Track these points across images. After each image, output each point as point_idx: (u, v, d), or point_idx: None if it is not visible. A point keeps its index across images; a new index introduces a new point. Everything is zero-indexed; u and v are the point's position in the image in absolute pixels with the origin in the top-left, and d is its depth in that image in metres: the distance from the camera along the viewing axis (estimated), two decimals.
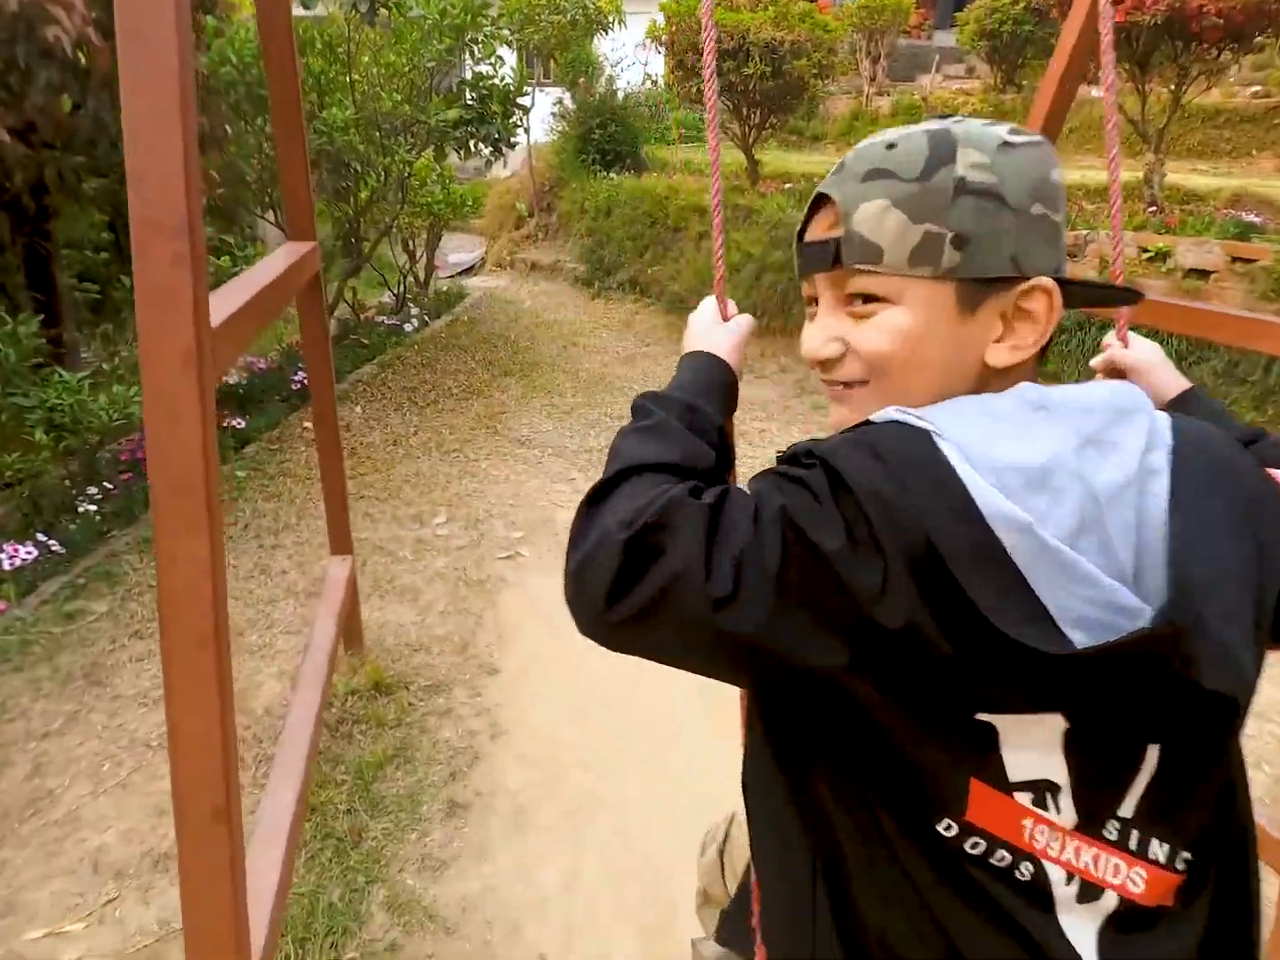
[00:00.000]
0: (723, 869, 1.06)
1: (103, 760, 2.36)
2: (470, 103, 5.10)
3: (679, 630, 0.58)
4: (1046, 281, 0.65)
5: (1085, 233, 5.20)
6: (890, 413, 0.62)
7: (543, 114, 10.22)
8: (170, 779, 1.01)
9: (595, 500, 0.64)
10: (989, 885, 0.60)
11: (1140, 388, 0.70)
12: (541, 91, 9.48)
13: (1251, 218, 5.09)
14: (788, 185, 7.89)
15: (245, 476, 4.14)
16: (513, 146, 5.38)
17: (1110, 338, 1.04)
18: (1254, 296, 4.57)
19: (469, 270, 10.81)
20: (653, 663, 0.64)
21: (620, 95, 10.58)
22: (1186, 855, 0.63)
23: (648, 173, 9.65)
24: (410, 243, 7.38)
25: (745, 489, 0.62)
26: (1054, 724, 0.58)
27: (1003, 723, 0.58)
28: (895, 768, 0.60)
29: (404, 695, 2.62)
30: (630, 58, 10.51)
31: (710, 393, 0.79)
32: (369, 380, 5.59)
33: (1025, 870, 0.60)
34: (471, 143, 5.25)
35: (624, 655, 0.64)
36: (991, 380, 0.67)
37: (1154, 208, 5.56)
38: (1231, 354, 4.45)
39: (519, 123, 5.33)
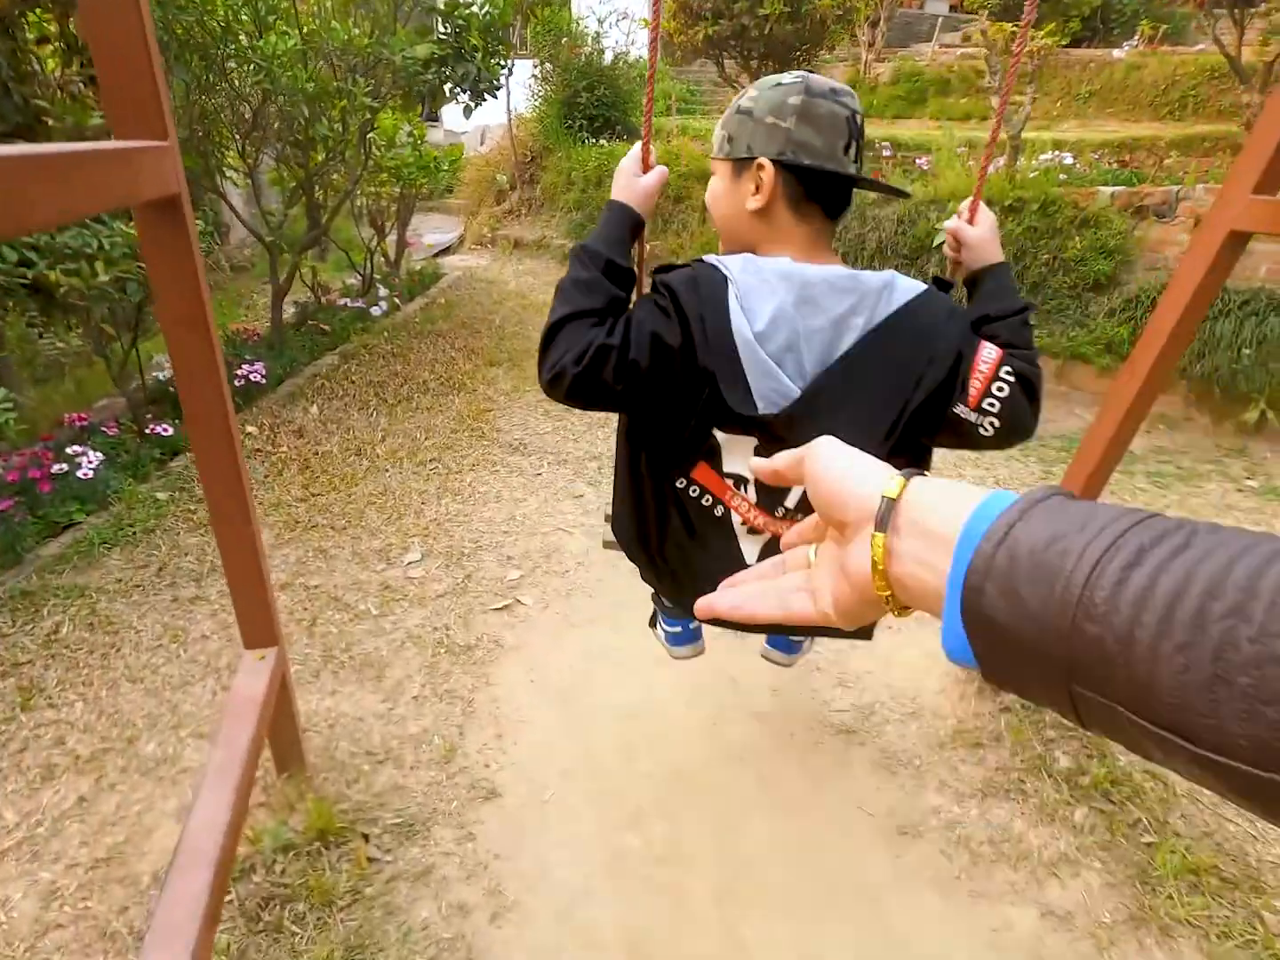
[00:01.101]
0: None
1: None
2: (443, 35, 4.20)
3: (608, 395, 1.06)
4: (763, 160, 1.10)
5: (1176, 188, 4.40)
6: (711, 258, 1.10)
7: (523, 78, 9.29)
8: None
9: (552, 333, 1.08)
10: (698, 511, 1.20)
11: (965, 252, 1.30)
12: (517, 61, 8.53)
13: None
14: None
15: (167, 499, 3.27)
16: (495, 93, 4.48)
17: (963, 206, 1.33)
18: None
19: (446, 251, 9.88)
20: None
21: (608, 55, 9.66)
22: None
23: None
24: (378, 217, 6.46)
25: (632, 316, 1.08)
26: (748, 442, 1.11)
27: (722, 436, 1.12)
28: (670, 450, 1.16)
29: (360, 850, 1.77)
30: (617, 12, 9.58)
31: (623, 243, 1.15)
32: (329, 374, 4.70)
33: (719, 510, 1.19)
34: (446, 87, 4.34)
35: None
36: (761, 230, 1.15)
37: None
38: None
39: (502, 62, 4.43)
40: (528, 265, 7.99)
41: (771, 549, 1.20)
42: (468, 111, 4.34)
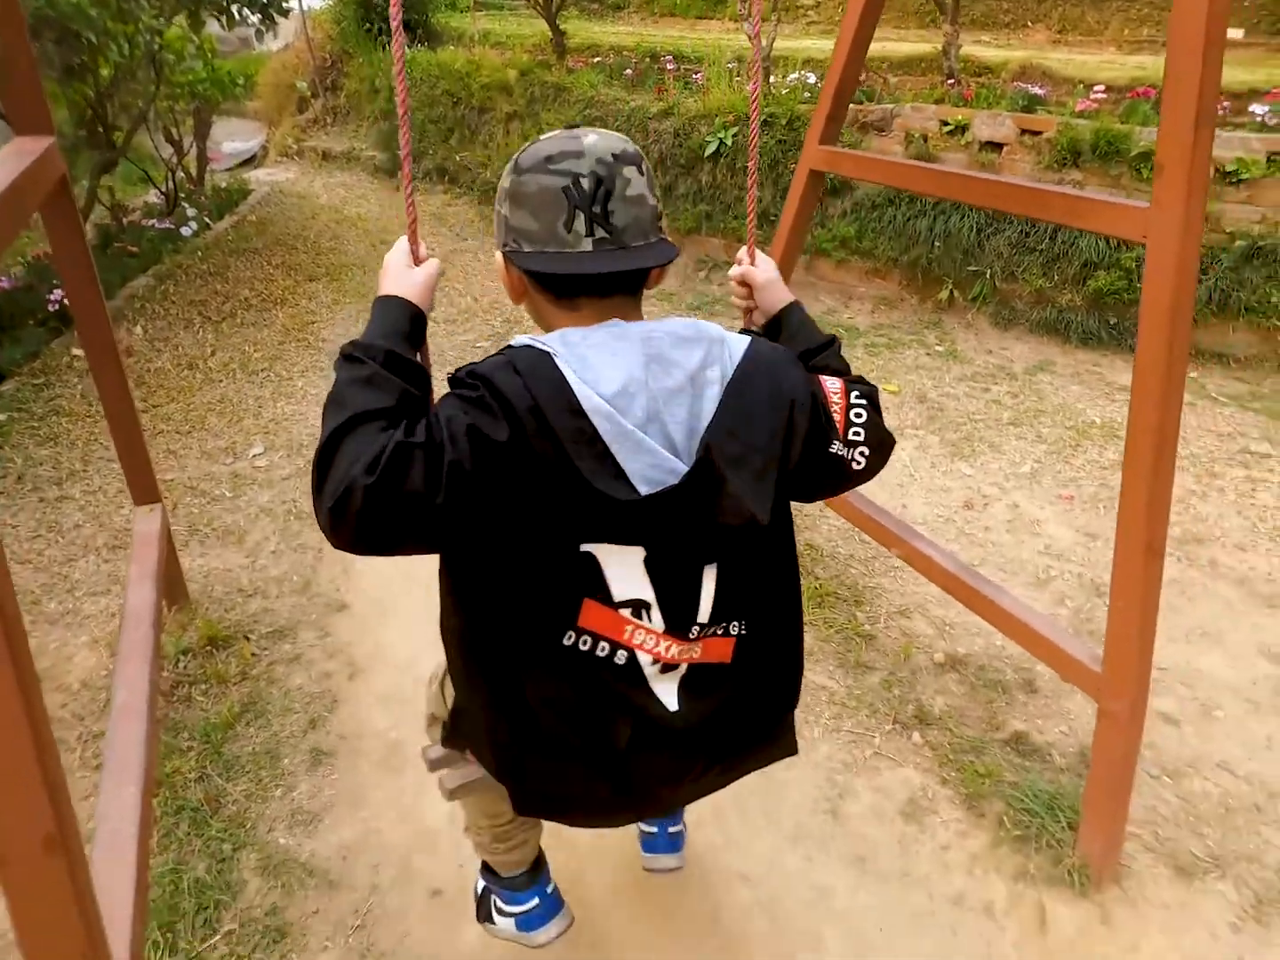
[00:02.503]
0: (444, 696, 1.29)
1: None
2: None
3: (421, 512, 0.82)
4: (498, 255, 1.02)
5: (891, 106, 5.30)
6: (523, 339, 0.93)
7: None
8: None
9: (332, 444, 0.85)
10: (594, 670, 0.95)
11: (758, 295, 1.24)
12: None
13: (1036, 90, 5.36)
14: (596, 59, 7.48)
15: (7, 420, 3.57)
16: (285, 13, 4.68)
17: (741, 254, 1.29)
18: (1040, 167, 4.87)
19: (249, 161, 9.63)
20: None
21: None
22: (740, 627, 1.01)
23: (443, 45, 8.83)
24: (174, 131, 6.40)
25: (438, 414, 0.86)
26: (637, 554, 0.92)
27: (600, 551, 0.91)
28: (531, 596, 0.93)
29: (244, 647, 2.41)
30: None
31: (404, 336, 0.99)
32: (146, 295, 4.91)
33: (621, 656, 0.95)
34: (235, 8, 4.52)
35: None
36: (553, 326, 0.99)
37: (951, 80, 5.74)
38: (1023, 224, 4.76)
39: None
40: (339, 178, 8.07)
41: (695, 681, 0.99)
42: (259, 35, 4.54)
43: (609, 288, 0.96)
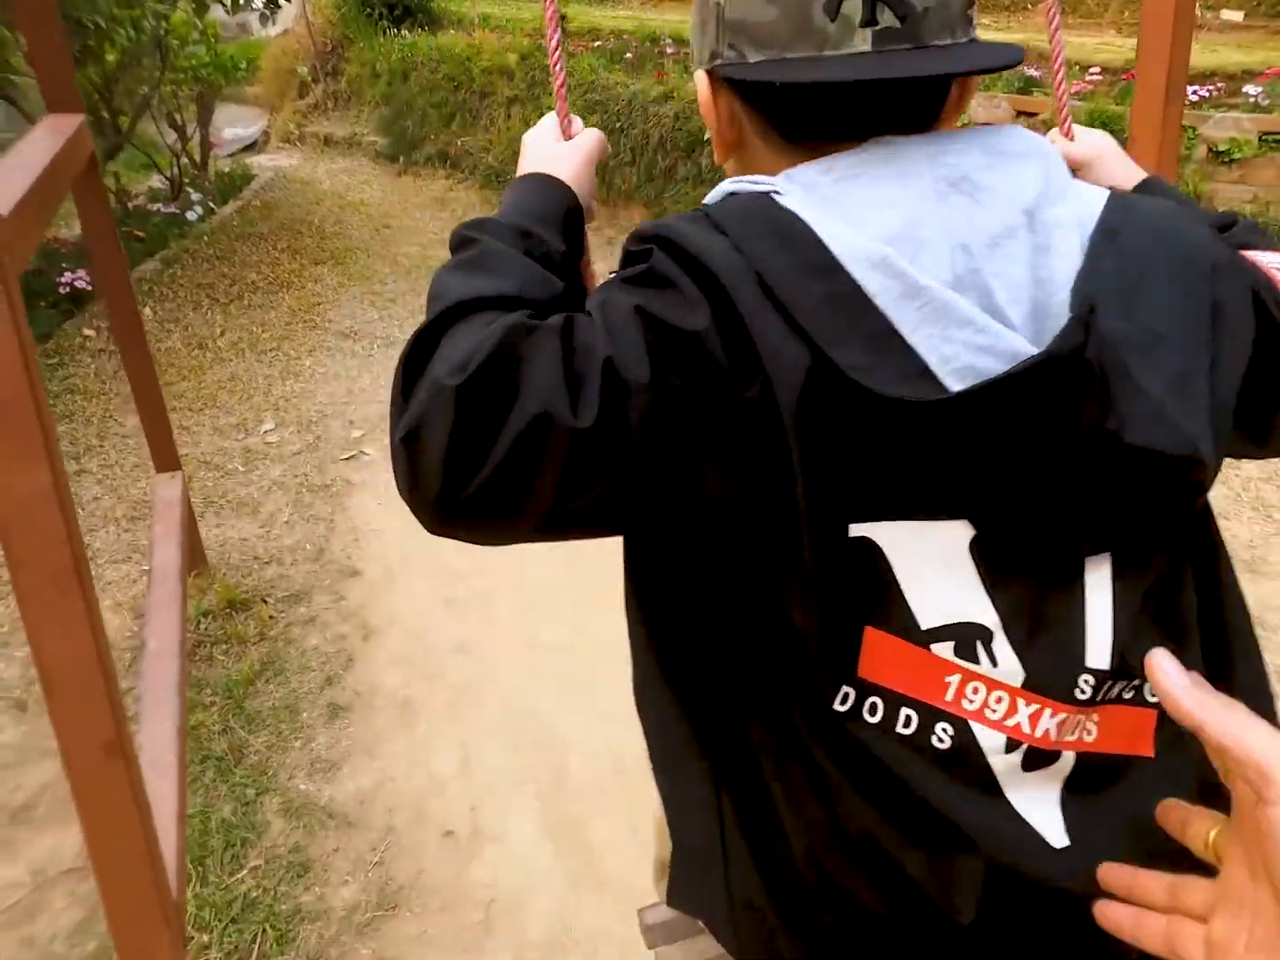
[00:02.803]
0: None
1: None
2: None
3: (541, 482, 0.47)
4: (700, 73, 0.61)
5: None
6: (725, 185, 0.57)
7: None
8: (52, 722, 0.94)
9: (417, 352, 0.51)
10: (893, 758, 0.49)
11: (1098, 176, 0.74)
12: None
13: (1031, 72, 5.42)
14: (596, 43, 7.52)
15: None
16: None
17: (1054, 134, 0.89)
18: None
19: (251, 147, 9.67)
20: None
21: None
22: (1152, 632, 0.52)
23: (443, 30, 8.87)
24: (178, 116, 6.46)
25: (589, 304, 0.52)
26: (955, 533, 0.49)
27: (886, 535, 0.48)
28: (777, 637, 0.51)
29: (262, 609, 2.51)
30: None
31: (546, 219, 0.64)
32: (154, 278, 4.99)
33: (943, 736, 0.49)
34: None
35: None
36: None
37: None
38: None
39: None
40: (341, 164, 8.12)
41: (1088, 787, 0.52)
42: (263, 20, 4.61)
43: (887, 117, 0.54)
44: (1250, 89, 4.87)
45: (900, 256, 0.48)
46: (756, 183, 0.55)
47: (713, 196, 0.57)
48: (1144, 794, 0.48)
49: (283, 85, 10.10)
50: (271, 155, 8.76)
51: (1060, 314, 0.49)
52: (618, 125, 5.99)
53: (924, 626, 0.50)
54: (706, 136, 4.72)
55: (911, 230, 0.49)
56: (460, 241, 0.60)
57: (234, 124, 10.04)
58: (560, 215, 0.65)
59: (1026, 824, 0.50)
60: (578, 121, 0.78)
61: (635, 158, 6.03)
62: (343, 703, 2.24)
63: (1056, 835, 0.50)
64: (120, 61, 4.87)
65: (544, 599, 2.66)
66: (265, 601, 2.55)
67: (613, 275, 0.54)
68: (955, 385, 0.46)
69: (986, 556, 0.49)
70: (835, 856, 0.53)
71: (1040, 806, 0.51)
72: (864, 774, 0.50)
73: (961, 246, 0.50)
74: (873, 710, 0.50)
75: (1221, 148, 4.39)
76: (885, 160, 0.52)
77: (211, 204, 6.35)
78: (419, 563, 2.82)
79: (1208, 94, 4.95)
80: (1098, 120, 4.69)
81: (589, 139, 0.75)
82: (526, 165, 0.73)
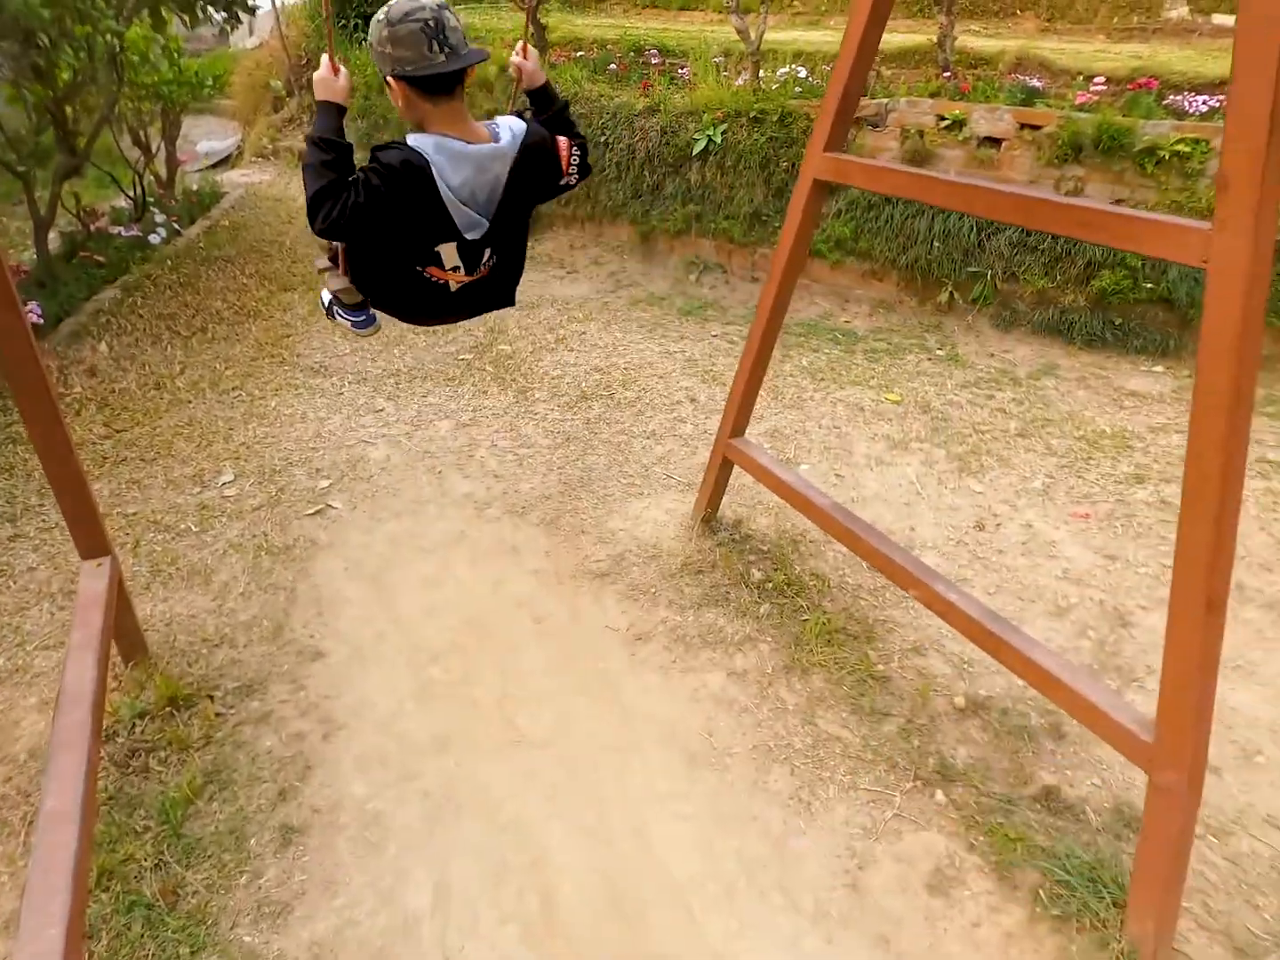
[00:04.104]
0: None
1: None
2: None
3: (345, 230, 1.65)
4: (388, 78, 1.70)
5: (885, 101, 5.11)
6: (414, 141, 1.68)
7: None
8: None
9: (314, 203, 1.61)
10: (427, 283, 1.85)
11: (526, 77, 1.95)
12: None
13: (1034, 82, 5.19)
14: (579, 53, 7.25)
15: None
16: (252, 11, 4.45)
17: (516, 51, 1.94)
18: (1041, 163, 4.70)
19: (224, 161, 9.35)
20: None
21: None
22: (492, 261, 1.91)
23: None
24: (142, 134, 6.15)
25: (358, 174, 1.63)
26: (454, 246, 1.80)
27: (442, 249, 1.80)
28: (412, 257, 1.81)
29: (208, 707, 2.21)
30: None
31: (339, 129, 1.70)
32: (113, 309, 4.67)
33: (440, 281, 1.86)
34: (198, 6, 4.28)
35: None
36: (420, 116, 1.73)
37: (948, 72, 5.56)
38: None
39: None
40: None
41: (468, 288, 1.92)
42: (224, 33, 4.31)
43: (454, 84, 1.70)
44: None
45: (457, 194, 1.74)
46: (422, 149, 1.67)
47: (410, 140, 1.70)
48: (481, 285, 1.97)
49: (257, 99, 9.79)
50: (244, 170, 8.44)
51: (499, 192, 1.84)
52: (603, 139, 5.72)
53: (446, 266, 1.86)
54: (696, 151, 4.61)
55: (464, 183, 1.74)
56: (314, 145, 1.66)
57: (209, 136, 9.72)
58: (338, 122, 1.72)
59: (450, 291, 1.93)
60: (339, 64, 1.76)
61: (621, 173, 5.76)
62: (297, 824, 1.94)
63: (453, 289, 1.95)
64: (74, 79, 4.55)
65: (531, 689, 2.38)
66: (211, 698, 2.25)
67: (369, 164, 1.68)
68: (466, 232, 1.80)
69: (461, 250, 1.84)
70: (407, 291, 1.91)
71: (454, 290, 1.93)
72: (419, 283, 1.87)
73: (475, 187, 1.77)
74: (429, 277, 1.87)
75: None
76: (459, 157, 1.72)
77: (177, 225, 6.03)
78: (391, 639, 2.53)
79: (1217, 104, 4.73)
80: (1106, 134, 4.47)
81: (345, 77, 1.74)
82: (320, 92, 1.72)
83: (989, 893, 1.82)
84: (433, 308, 1.96)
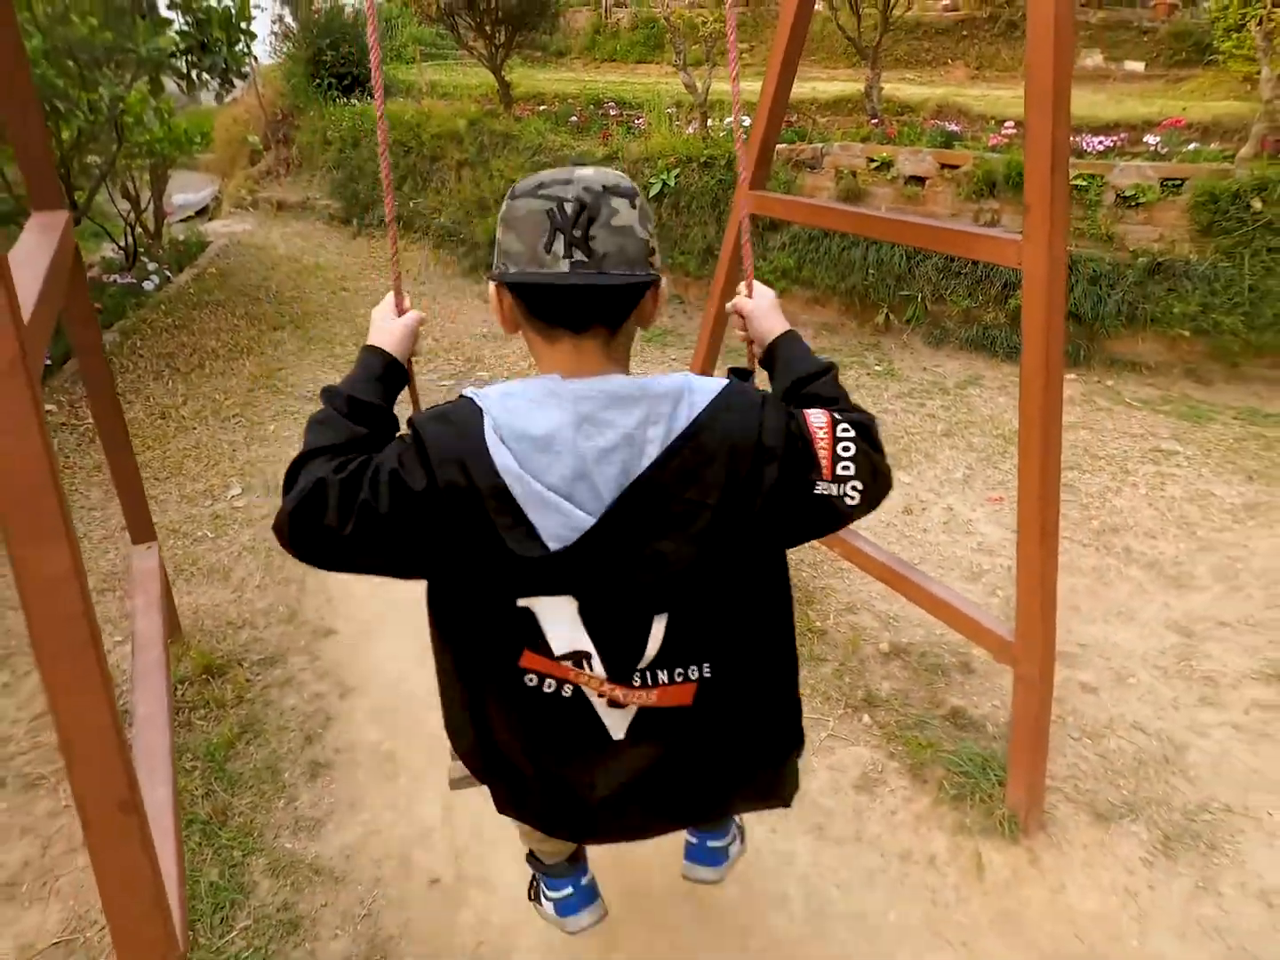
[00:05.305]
0: None
1: None
2: (185, 29, 4.57)
3: (333, 541, 0.94)
4: (489, 281, 1.05)
5: (821, 145, 5.67)
6: (470, 390, 0.99)
7: (262, 33, 9.26)
8: (70, 784, 1.02)
9: (290, 475, 0.99)
10: (544, 701, 1.03)
11: (750, 326, 1.33)
12: (257, 8, 8.55)
13: (952, 127, 5.79)
14: (542, 107, 7.81)
15: None
16: (244, 77, 4.90)
17: (741, 287, 1.41)
18: (960, 198, 5.25)
19: (202, 212, 9.76)
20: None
21: (348, 9, 9.80)
22: (701, 671, 1.04)
23: (391, 98, 9.11)
24: (131, 187, 6.55)
25: (381, 455, 0.97)
26: (570, 604, 0.97)
27: (537, 605, 0.97)
28: (484, 638, 1.02)
29: (238, 673, 2.56)
30: None
31: (373, 381, 1.13)
32: (114, 350, 5.02)
33: (567, 690, 1.03)
34: (195, 73, 4.72)
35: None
36: (534, 353, 1.04)
37: (875, 119, 6.15)
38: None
39: (246, 50, 4.86)
40: (295, 228, 8.25)
41: (645, 721, 1.04)
42: (219, 98, 4.76)
43: (585, 317, 0.97)
44: (1150, 138, 5.27)
45: (535, 469, 0.91)
46: (480, 396, 0.97)
47: (466, 391, 0.99)
48: (679, 724, 1.06)
49: (234, 152, 10.26)
50: (225, 221, 8.85)
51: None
52: None
53: (556, 653, 1.00)
54: (652, 194, 5.07)
55: (551, 445, 0.92)
56: (322, 400, 1.09)
57: (183, 190, 10.12)
58: (383, 373, 1.15)
59: (604, 725, 1.05)
60: (406, 300, 1.28)
61: None
62: (323, 760, 2.29)
63: (620, 732, 1.05)
64: (76, 139, 4.95)
65: None
66: (240, 665, 2.59)
67: (401, 437, 1.01)
68: (552, 544, 0.93)
69: (587, 615, 0.97)
70: (509, 732, 1.08)
71: (615, 720, 1.05)
72: (531, 708, 1.04)
73: (580, 456, 0.92)
74: (532, 681, 1.02)
75: (1128, 193, 4.74)
76: (548, 394, 0.95)
77: (168, 273, 6.41)
78: (394, 616, 2.89)
79: (1112, 144, 5.34)
80: (1014, 171, 5.03)
81: (410, 319, 1.24)
82: (370, 336, 1.21)
83: (904, 788, 2.20)
84: (580, 777, 1.10)
